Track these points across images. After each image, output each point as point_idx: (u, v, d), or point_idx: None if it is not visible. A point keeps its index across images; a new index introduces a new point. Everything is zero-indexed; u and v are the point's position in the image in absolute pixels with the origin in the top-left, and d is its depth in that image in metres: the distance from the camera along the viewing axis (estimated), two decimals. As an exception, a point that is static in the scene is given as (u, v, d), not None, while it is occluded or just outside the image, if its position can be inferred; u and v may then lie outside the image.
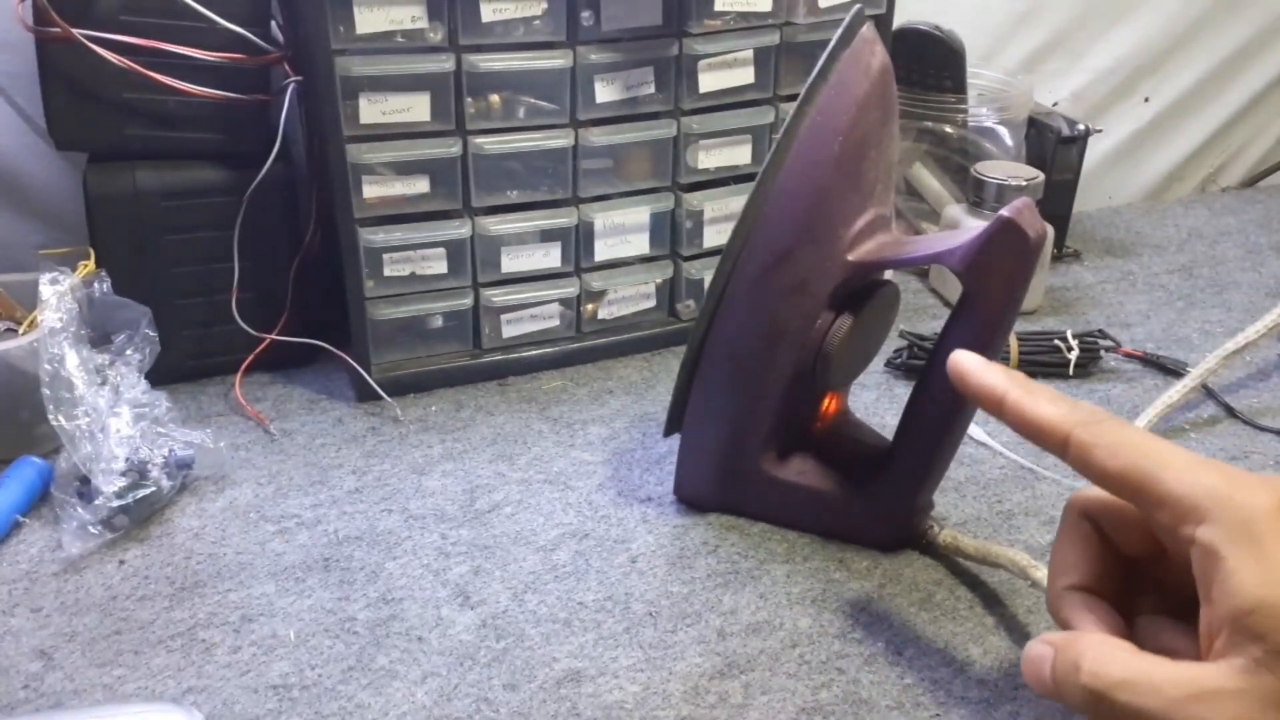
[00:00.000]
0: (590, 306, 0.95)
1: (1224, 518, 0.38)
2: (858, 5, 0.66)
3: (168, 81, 0.81)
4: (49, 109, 0.82)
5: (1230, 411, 0.88)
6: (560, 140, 0.86)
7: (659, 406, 0.89)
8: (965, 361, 0.51)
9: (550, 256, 0.91)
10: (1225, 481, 0.39)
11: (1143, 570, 0.48)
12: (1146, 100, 1.36)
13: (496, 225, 0.87)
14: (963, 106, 1.10)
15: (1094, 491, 0.47)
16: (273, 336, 0.89)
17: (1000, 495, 0.78)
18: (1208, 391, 0.91)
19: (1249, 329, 0.87)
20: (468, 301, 0.90)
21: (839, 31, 0.64)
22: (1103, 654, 0.41)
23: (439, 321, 0.91)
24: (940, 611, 0.66)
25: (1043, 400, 0.46)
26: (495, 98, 0.85)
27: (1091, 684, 0.40)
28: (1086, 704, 0.41)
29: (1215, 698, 0.36)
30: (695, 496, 0.76)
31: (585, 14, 0.83)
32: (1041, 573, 0.64)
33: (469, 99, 0.83)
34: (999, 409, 0.48)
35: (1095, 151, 1.29)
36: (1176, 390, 0.85)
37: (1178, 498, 0.39)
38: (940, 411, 0.67)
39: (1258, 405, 0.90)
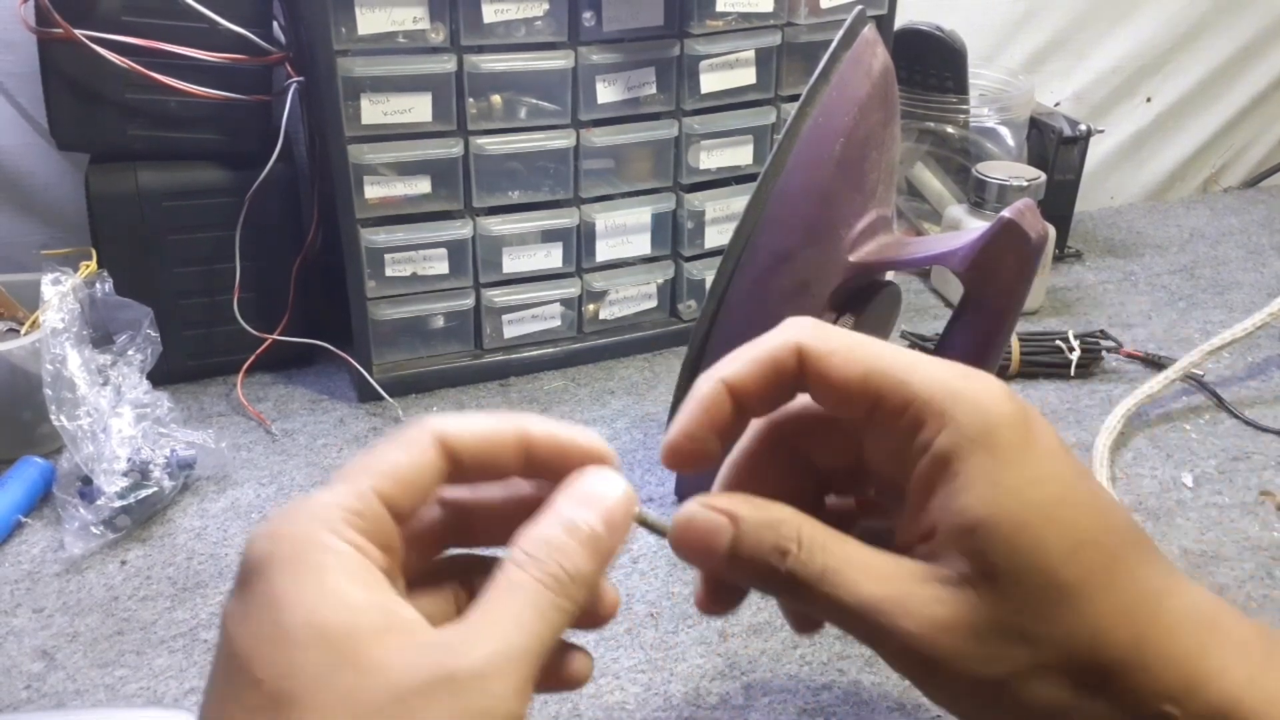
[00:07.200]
0: (592, 307, 0.95)
1: (966, 425, 0.34)
2: (859, 6, 0.66)
3: (169, 82, 0.81)
4: (51, 109, 0.82)
5: (1231, 412, 0.88)
6: (562, 141, 0.86)
7: (660, 407, 0.89)
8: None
9: (552, 257, 0.91)
10: (968, 385, 0.35)
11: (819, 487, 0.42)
12: (1148, 100, 1.36)
13: (498, 225, 0.87)
14: (964, 107, 1.10)
15: (793, 406, 0.39)
16: (274, 337, 0.89)
17: (1001, 496, 0.77)
18: (1209, 391, 0.91)
19: (1236, 326, 0.88)
20: (469, 302, 0.90)
21: (840, 32, 0.64)
22: (818, 535, 0.35)
23: (440, 322, 0.91)
24: (941, 612, 0.66)
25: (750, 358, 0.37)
26: (497, 98, 0.85)
27: (802, 570, 0.34)
28: (784, 588, 0.35)
29: (911, 597, 0.33)
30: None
31: (587, 14, 0.83)
32: None
33: (470, 99, 0.83)
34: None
35: (1097, 152, 1.29)
36: (1157, 381, 0.87)
37: (925, 400, 0.34)
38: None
39: (1259, 405, 0.89)
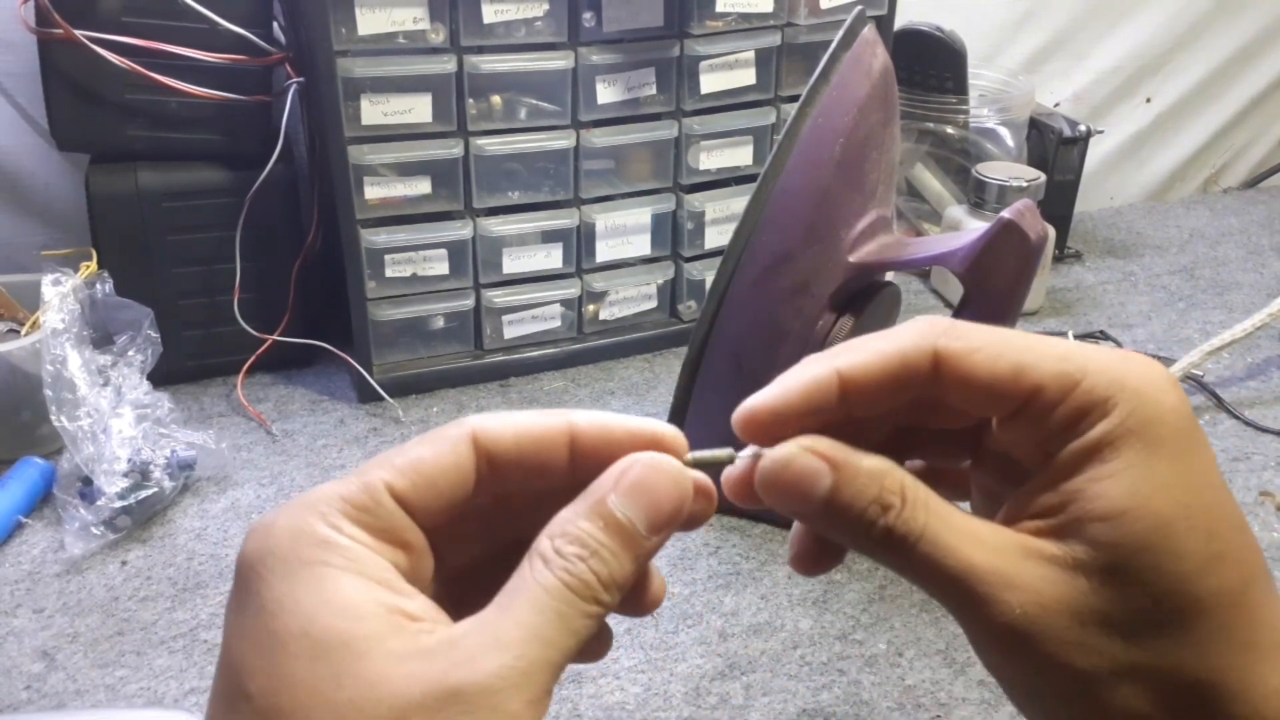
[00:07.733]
0: (592, 307, 0.95)
1: (1130, 413, 0.31)
2: (859, 6, 0.66)
3: (169, 82, 0.81)
4: (51, 109, 0.83)
5: (1231, 412, 0.88)
6: (562, 141, 0.87)
7: (660, 407, 0.89)
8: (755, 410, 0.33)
9: (552, 257, 0.91)
10: (1133, 371, 0.32)
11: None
12: (1148, 101, 1.36)
13: (498, 226, 0.87)
14: (964, 107, 1.10)
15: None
16: (274, 337, 0.89)
17: (1001, 496, 0.78)
18: (1209, 391, 0.91)
19: (1235, 326, 0.88)
20: (469, 302, 0.90)
21: (840, 33, 0.64)
22: (920, 493, 0.32)
23: (440, 322, 0.91)
24: (941, 613, 0.66)
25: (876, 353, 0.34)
26: (497, 99, 0.85)
27: (903, 528, 0.31)
28: (877, 545, 0.32)
29: (1016, 570, 0.31)
30: (696, 497, 0.76)
31: (587, 15, 0.83)
32: None
33: (470, 100, 0.83)
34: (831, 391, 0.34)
35: (1096, 152, 1.29)
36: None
37: (1088, 388, 0.32)
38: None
39: (1259, 406, 0.90)
